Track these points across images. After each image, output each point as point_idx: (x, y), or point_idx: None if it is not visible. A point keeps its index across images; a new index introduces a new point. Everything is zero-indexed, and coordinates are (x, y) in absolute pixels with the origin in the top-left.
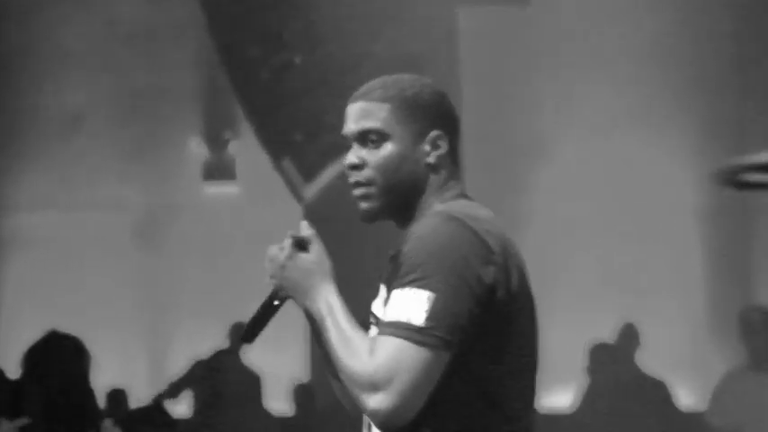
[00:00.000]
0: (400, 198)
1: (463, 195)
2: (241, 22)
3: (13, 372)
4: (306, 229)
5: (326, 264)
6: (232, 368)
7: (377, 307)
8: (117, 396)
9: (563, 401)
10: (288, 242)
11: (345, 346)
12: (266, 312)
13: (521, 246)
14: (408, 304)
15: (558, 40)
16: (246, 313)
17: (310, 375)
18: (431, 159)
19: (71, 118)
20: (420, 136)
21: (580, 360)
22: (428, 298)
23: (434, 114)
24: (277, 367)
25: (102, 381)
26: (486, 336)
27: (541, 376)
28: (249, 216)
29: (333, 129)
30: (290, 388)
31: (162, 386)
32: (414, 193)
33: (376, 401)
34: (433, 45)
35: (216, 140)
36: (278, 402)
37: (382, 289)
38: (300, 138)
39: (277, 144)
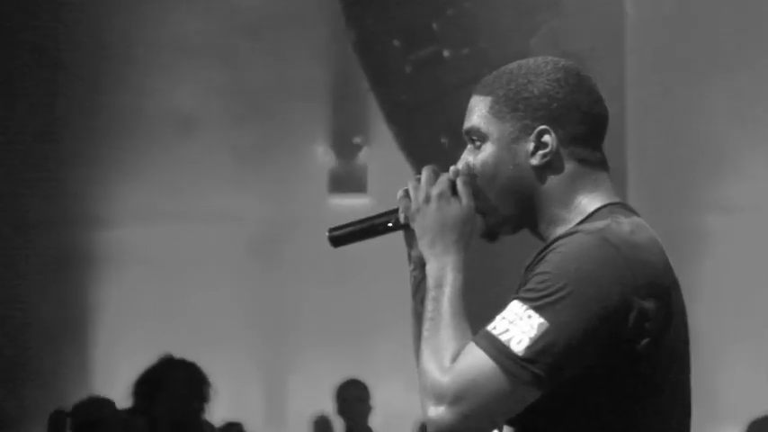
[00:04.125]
0: (510, 210)
1: (615, 204)
2: (383, 10)
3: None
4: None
5: (470, 227)
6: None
7: None
8: None
9: None
10: (446, 177)
11: (434, 334)
12: (372, 229)
13: (695, 273)
14: (516, 323)
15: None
16: (374, 342)
17: None
18: (535, 161)
19: (181, 119)
20: (522, 133)
21: (762, 393)
22: (539, 326)
23: (543, 106)
24: (408, 407)
25: (214, 414)
26: (625, 391)
27: (718, 408)
28: None
29: None
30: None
31: (280, 420)
32: (527, 204)
33: (437, 413)
34: (598, 41)
35: (345, 146)
36: None
37: None
38: (447, 141)
39: (419, 149)
